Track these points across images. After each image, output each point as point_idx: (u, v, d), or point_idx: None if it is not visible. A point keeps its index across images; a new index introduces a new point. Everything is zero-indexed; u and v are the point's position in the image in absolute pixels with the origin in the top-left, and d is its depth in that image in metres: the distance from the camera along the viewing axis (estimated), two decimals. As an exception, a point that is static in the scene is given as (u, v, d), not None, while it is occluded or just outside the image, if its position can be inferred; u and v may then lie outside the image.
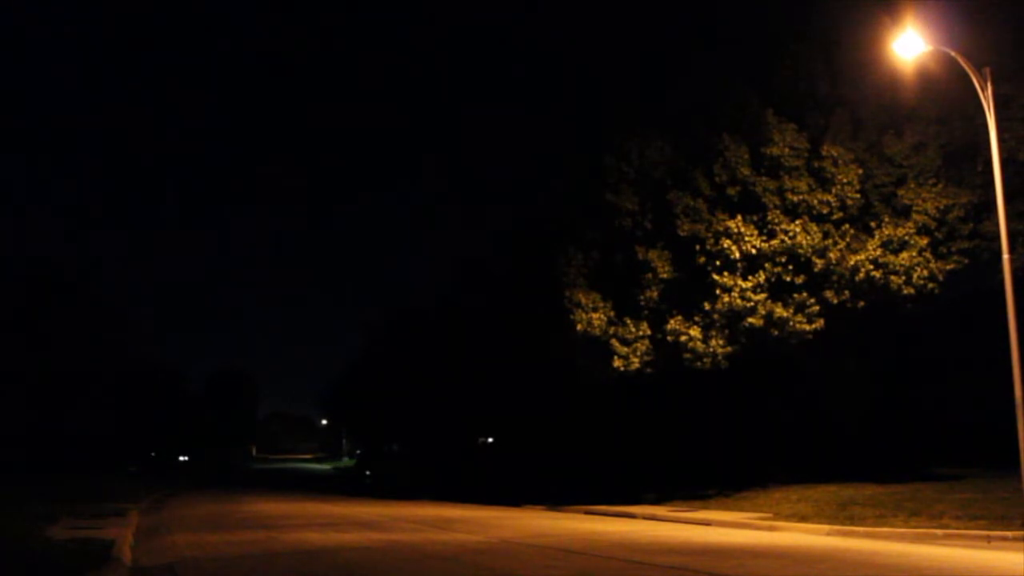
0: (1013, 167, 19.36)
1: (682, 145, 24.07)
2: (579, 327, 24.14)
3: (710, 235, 21.93)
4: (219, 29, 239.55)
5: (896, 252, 20.90)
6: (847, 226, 21.33)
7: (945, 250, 21.43)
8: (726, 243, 21.45)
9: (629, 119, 26.35)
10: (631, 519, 21.89)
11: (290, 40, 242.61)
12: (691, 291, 22.50)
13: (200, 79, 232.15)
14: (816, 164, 21.56)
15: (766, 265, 21.33)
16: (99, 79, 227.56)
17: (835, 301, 21.31)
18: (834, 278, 21.18)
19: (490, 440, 56.54)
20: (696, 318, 22.38)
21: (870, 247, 20.93)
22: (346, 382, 77.77)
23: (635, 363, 23.51)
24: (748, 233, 21.36)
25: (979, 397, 25.46)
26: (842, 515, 17.80)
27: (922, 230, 21.18)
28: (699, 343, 22.19)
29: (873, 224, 21.47)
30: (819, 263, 21.04)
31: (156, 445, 78.02)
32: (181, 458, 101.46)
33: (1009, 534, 14.02)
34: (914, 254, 20.77)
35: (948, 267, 21.25)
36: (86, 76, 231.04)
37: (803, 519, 18.22)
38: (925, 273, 20.83)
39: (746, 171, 21.97)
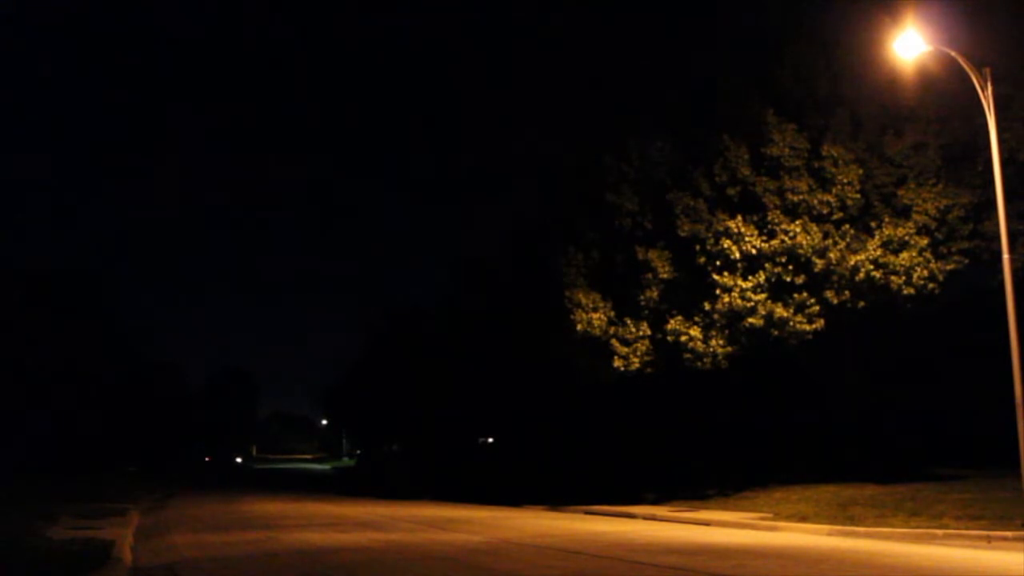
0: (1013, 167, 19.36)
1: (682, 145, 24.07)
2: (579, 327, 24.15)
3: (710, 235, 21.92)
4: (219, 28, 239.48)
5: (896, 252, 20.89)
6: (847, 226, 21.32)
7: (945, 250, 21.41)
8: (726, 243, 21.44)
9: (629, 119, 26.36)
10: (631, 519, 21.88)
11: (290, 39, 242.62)
12: (691, 291, 22.50)
13: (198, 79, 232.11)
14: (816, 164, 21.55)
15: (766, 265, 21.32)
16: (99, 79, 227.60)
17: (835, 301, 21.30)
18: (834, 278, 21.17)
19: (490, 440, 56.54)
20: (696, 318, 22.38)
21: (870, 247, 20.92)
22: (347, 382, 77.75)
23: (635, 363, 23.51)
24: (748, 233, 21.35)
25: (979, 397, 25.46)
26: (842, 515, 17.79)
27: (922, 230, 21.16)
28: (699, 343, 22.19)
29: (873, 224, 21.46)
30: (819, 263, 21.03)
31: (156, 445, 78.05)
32: (229, 459, 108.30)
33: (1009, 534, 14.02)
34: (914, 254, 20.76)
35: (948, 267, 21.24)
36: (87, 75, 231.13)
37: (803, 519, 18.22)
38: (925, 273, 20.82)
39: (746, 171, 21.96)
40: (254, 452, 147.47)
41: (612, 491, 28.28)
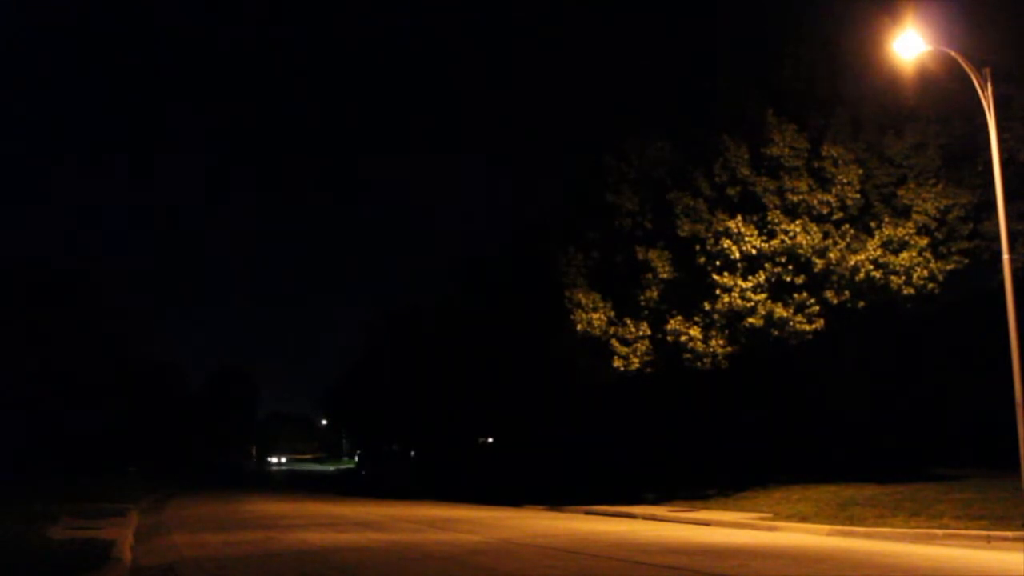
0: (1013, 167, 19.36)
1: (682, 145, 24.07)
2: (579, 327, 24.14)
3: (710, 235, 21.93)
4: (219, 24, 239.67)
5: (896, 252, 20.89)
6: (847, 226, 21.33)
7: (945, 250, 21.42)
8: (726, 243, 21.45)
9: (629, 119, 26.36)
10: (631, 519, 21.88)
11: (290, 39, 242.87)
12: (691, 291, 22.50)
13: (198, 79, 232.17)
14: (816, 164, 21.56)
15: (766, 265, 21.33)
16: (99, 79, 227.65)
17: (835, 301, 21.31)
18: (834, 278, 21.18)
19: (490, 440, 56.52)
20: (696, 318, 22.38)
21: (870, 247, 20.92)
22: (346, 382, 77.78)
23: (635, 363, 23.50)
24: (748, 233, 21.36)
25: (979, 397, 25.45)
26: (842, 515, 17.80)
27: (922, 230, 21.18)
28: (699, 343, 22.18)
29: (873, 224, 21.47)
30: (819, 263, 21.04)
31: (156, 445, 78.06)
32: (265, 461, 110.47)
33: (1009, 534, 14.02)
34: (914, 254, 20.77)
35: (948, 267, 21.25)
36: (87, 75, 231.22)
37: (803, 519, 18.22)
38: (925, 273, 20.82)
39: (746, 171, 21.96)
40: (254, 452, 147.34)
41: (612, 491, 28.28)
